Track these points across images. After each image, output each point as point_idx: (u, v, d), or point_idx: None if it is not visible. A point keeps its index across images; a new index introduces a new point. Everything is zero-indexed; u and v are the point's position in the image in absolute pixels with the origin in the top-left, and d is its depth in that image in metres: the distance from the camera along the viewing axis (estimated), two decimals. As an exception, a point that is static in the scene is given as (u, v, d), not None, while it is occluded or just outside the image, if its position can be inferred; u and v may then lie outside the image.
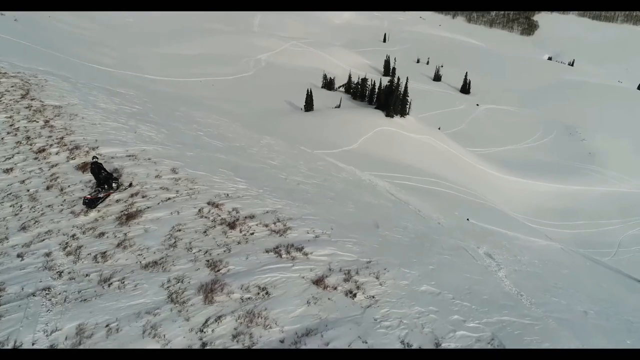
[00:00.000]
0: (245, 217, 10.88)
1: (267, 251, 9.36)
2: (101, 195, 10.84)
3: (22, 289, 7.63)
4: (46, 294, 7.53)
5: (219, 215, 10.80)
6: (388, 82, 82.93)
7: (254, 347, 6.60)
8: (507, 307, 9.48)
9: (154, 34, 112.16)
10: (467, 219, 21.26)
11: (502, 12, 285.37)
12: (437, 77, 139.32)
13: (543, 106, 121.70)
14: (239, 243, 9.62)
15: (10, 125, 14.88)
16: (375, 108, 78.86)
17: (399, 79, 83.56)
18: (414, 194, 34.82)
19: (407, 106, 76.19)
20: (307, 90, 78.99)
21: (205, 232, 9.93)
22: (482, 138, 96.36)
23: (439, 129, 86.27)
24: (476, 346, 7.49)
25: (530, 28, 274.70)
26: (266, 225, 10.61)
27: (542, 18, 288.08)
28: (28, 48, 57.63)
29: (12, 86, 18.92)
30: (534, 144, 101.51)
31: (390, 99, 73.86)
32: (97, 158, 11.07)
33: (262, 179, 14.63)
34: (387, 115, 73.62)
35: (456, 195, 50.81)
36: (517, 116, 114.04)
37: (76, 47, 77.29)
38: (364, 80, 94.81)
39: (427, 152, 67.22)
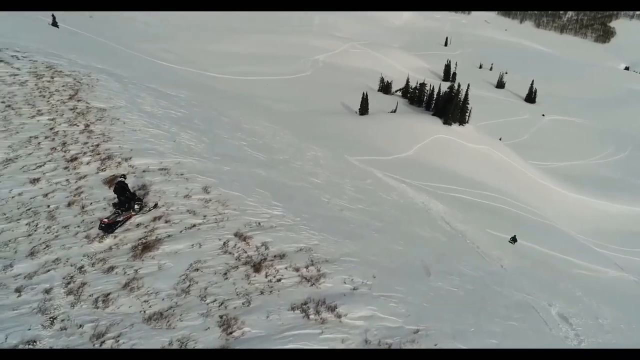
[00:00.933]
0: (275, 256, 9.36)
1: (293, 308, 7.79)
2: (120, 218, 9.71)
3: (6, 338, 6.53)
4: (30, 348, 6.39)
5: (245, 252, 9.35)
6: (448, 87, 79.14)
7: None
8: None
9: (212, 32, 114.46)
10: (513, 240, 18.64)
11: (575, 17, 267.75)
12: (500, 84, 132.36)
13: (617, 119, 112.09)
14: (261, 293, 8.11)
15: (51, 129, 14.32)
16: (433, 115, 75.54)
17: (459, 84, 79.56)
18: (469, 211, 32.19)
19: (467, 114, 72.21)
20: (363, 94, 77.00)
21: (225, 273, 8.52)
22: (546, 151, 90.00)
23: (500, 139, 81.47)
24: None
25: (605, 35, 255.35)
26: (297, 270, 9.03)
27: (620, 24, 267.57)
28: (99, 43, 59.93)
29: (63, 86, 18.62)
30: (604, 160, 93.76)
31: (449, 106, 70.28)
32: (124, 177, 9.95)
33: (302, 203, 13.09)
34: (444, 123, 70.26)
35: (515, 212, 47.11)
36: (587, 129, 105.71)
37: (143, 43, 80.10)
38: (422, 85, 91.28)
39: (485, 164, 63.24)
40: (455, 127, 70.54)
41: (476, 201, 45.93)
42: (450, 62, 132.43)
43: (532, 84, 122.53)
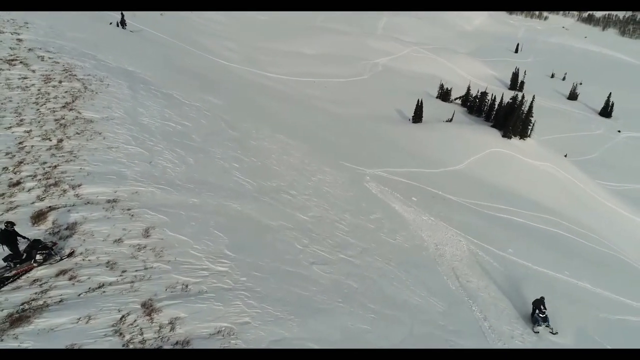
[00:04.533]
0: (175, 344, 7.21)
1: None
2: (10, 273, 8.01)
3: None
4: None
5: (142, 334, 7.31)
6: (510, 98, 72.80)
7: None
8: None
9: (278, 31, 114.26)
10: (540, 310, 14.74)
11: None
12: (572, 96, 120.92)
13: None
14: (122, 410, 5.96)
15: (19, 144, 13.12)
16: (492, 126, 69.78)
17: (523, 95, 72.94)
18: (509, 240, 28.41)
19: (530, 127, 65.78)
20: (418, 100, 72.76)
21: (93, 371, 6.45)
22: (618, 171, 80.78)
23: (565, 156, 73.95)
24: None
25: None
26: (191, 371, 6.78)
27: None
28: (159, 40, 60.94)
29: (66, 92, 17.67)
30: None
31: (510, 118, 64.34)
32: (11, 225, 8.21)
33: (263, 253, 10.85)
34: (503, 136, 64.58)
35: (573, 239, 41.68)
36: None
37: (204, 39, 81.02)
38: (484, 93, 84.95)
39: (546, 183, 57.33)
40: (515, 140, 64.69)
41: (526, 224, 41.21)
42: (518, 70, 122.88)
43: (609, 97, 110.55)
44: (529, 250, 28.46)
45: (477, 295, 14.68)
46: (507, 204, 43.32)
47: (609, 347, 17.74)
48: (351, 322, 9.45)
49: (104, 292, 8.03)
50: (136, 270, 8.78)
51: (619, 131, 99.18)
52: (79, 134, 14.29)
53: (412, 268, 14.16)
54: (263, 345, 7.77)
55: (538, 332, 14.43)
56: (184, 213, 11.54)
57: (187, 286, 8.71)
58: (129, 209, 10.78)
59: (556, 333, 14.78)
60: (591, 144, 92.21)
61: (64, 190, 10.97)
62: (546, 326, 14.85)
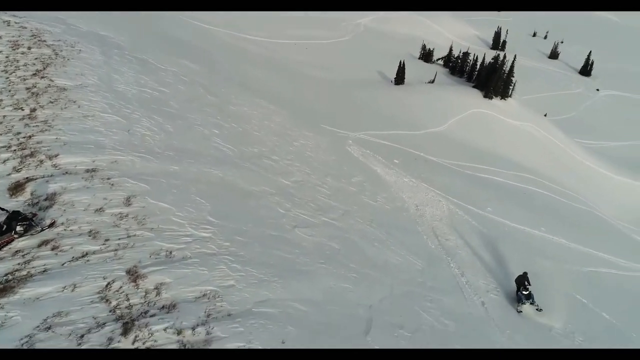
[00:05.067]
0: (162, 308, 7.39)
1: (139, 401, 5.81)
2: (-9, 246, 7.98)
3: None
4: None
5: (128, 299, 7.45)
6: (492, 58, 72.36)
7: None
8: None
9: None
10: (524, 286, 14.19)
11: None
12: (553, 55, 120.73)
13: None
14: (112, 371, 6.17)
15: (-10, 115, 12.70)
16: (474, 87, 69.64)
17: (505, 55, 72.57)
18: (490, 200, 29.13)
19: (511, 87, 65.84)
20: (400, 62, 71.83)
21: (82, 336, 6.62)
22: (596, 129, 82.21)
23: (545, 115, 74.68)
24: None
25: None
26: (179, 332, 7.02)
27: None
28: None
29: (35, 59, 16.95)
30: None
31: (491, 78, 64.15)
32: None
33: (246, 219, 10.97)
34: (485, 96, 64.55)
35: (551, 197, 42.97)
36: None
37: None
38: (466, 54, 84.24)
39: (526, 142, 58.12)
40: (496, 101, 64.81)
41: (506, 183, 42.20)
42: (500, 29, 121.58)
43: (589, 55, 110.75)
44: (507, 209, 29.28)
45: (455, 252, 15.21)
46: (487, 164, 44.07)
47: (578, 297, 18.57)
48: (333, 282, 9.76)
49: (88, 260, 8.08)
50: (119, 239, 8.82)
51: (598, 90, 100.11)
52: (52, 102, 13.87)
53: (393, 229, 14.53)
54: (248, 307, 8.01)
55: (522, 312, 13.53)
56: (165, 181, 11.51)
57: (171, 252, 8.82)
58: (108, 178, 10.69)
59: (541, 310, 13.83)
60: (570, 103, 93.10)
61: (41, 161, 10.76)
62: (530, 303, 13.86)
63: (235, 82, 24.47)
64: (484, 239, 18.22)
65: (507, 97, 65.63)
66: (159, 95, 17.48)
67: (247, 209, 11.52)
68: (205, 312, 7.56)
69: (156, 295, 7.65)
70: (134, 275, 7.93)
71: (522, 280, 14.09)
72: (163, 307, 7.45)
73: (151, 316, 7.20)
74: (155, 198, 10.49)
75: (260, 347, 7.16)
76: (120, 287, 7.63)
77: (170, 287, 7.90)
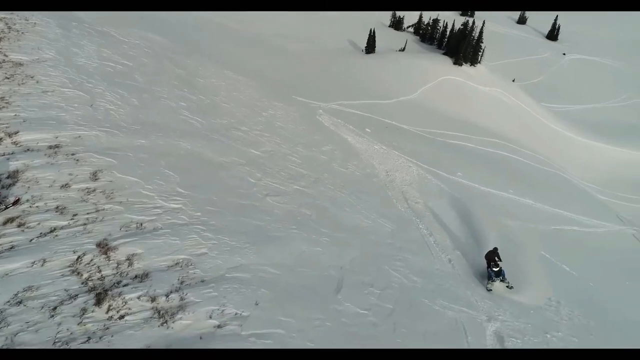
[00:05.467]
0: (134, 277, 7.47)
1: (116, 365, 5.95)
2: (-49, 225, 7.81)
3: None
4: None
5: (100, 271, 7.47)
6: (462, 24, 72.40)
7: None
8: None
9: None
10: (495, 262, 13.05)
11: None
12: (521, 20, 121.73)
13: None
14: (87, 340, 6.28)
15: (-59, 91, 12.14)
16: (444, 54, 69.76)
17: (473, 21, 72.70)
18: (461, 165, 29.80)
19: (480, 53, 66.23)
20: (370, 30, 71.05)
21: (55, 308, 6.67)
22: (562, 93, 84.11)
23: (513, 80, 75.81)
24: None
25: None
26: (153, 299, 7.15)
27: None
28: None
29: (-14, 32, 16.13)
30: (624, 103, 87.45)
31: (461, 45, 64.34)
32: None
33: (216, 189, 11.00)
34: (455, 63, 64.83)
35: (519, 160, 44.31)
36: (610, 70, 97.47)
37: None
38: (436, 21, 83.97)
39: (495, 108, 59.12)
40: (466, 67, 65.24)
41: (476, 149, 43.15)
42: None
43: (555, 20, 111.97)
44: (477, 173, 30.05)
45: (424, 215, 15.68)
46: (457, 131, 44.77)
47: (543, 253, 19.40)
48: (305, 246, 10.00)
49: (56, 235, 8.01)
50: (88, 213, 8.75)
51: (564, 54, 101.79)
52: (8, 78, 13.31)
53: (364, 194, 14.82)
54: (221, 272, 8.17)
55: (491, 290, 12.47)
56: (132, 155, 11.35)
57: (141, 224, 8.83)
58: (73, 154, 10.48)
59: (512, 287, 12.86)
60: (538, 68, 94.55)
61: (0, 139, 10.45)
62: (501, 280, 12.82)
63: (203, 54, 23.86)
64: (453, 201, 18.78)
65: (476, 63, 66.12)
66: (123, 69, 16.95)
67: (217, 180, 11.53)
68: (178, 279, 7.69)
69: (128, 266, 7.71)
70: (104, 247, 7.93)
71: (492, 256, 12.96)
72: (136, 276, 7.53)
73: (124, 286, 7.28)
74: (122, 172, 10.38)
75: (234, 310, 7.37)
76: (92, 259, 7.64)
77: (142, 257, 7.95)
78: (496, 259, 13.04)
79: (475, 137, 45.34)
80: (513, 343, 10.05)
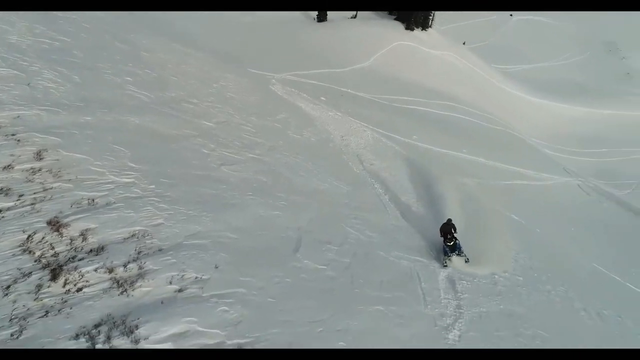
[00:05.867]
0: (90, 251, 7.43)
1: (78, 335, 6.03)
2: None
3: None
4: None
5: (53, 248, 7.36)
6: (411, -12, 72.18)
7: None
8: None
9: None
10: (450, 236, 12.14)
11: None
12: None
13: (586, 18, 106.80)
14: (46, 314, 6.29)
15: None
16: (395, 19, 69.77)
17: (424, -17, 72.60)
18: (413, 129, 30.49)
19: (430, 17, 66.65)
20: (320, -3, 69.68)
21: (8, 287, 6.58)
22: (510, 54, 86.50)
23: (464, 43, 77.19)
24: None
25: None
26: (110, 271, 7.17)
27: None
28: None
29: None
30: (566, 61, 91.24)
31: (411, 9, 64.32)
32: None
33: (169, 162, 10.90)
34: (406, 28, 64.93)
35: (472, 121, 45.73)
36: (556, 29, 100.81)
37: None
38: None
39: (448, 72, 60.04)
40: (417, 32, 65.49)
41: (431, 112, 44.10)
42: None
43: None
44: (432, 136, 30.89)
45: (379, 175, 16.16)
46: (412, 96, 45.38)
47: (495, 206, 20.44)
48: (262, 210, 10.19)
49: (2, 217, 7.77)
50: (35, 193, 8.50)
51: (511, 15, 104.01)
52: None
53: (319, 159, 15.07)
54: (179, 240, 8.25)
55: (447, 266, 11.67)
56: (78, 132, 10.98)
57: (93, 200, 8.69)
58: (13, 134, 10.00)
59: (468, 261, 12.21)
60: (486, 30, 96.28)
61: None
62: (457, 254, 12.11)
63: (146, 27, 22.83)
64: (408, 162, 19.41)
65: (427, 27, 66.59)
66: (60, 45, 16.04)
67: (170, 153, 11.41)
68: (135, 249, 7.71)
69: (82, 241, 7.64)
70: (56, 225, 7.79)
71: (447, 229, 12.19)
72: (91, 250, 7.49)
73: (79, 260, 7.24)
74: (69, 150, 10.05)
75: (194, 274, 7.52)
76: (43, 237, 7.51)
77: (96, 232, 7.89)
78: (452, 230, 12.22)
79: (429, 101, 46.20)
80: (463, 286, 10.81)
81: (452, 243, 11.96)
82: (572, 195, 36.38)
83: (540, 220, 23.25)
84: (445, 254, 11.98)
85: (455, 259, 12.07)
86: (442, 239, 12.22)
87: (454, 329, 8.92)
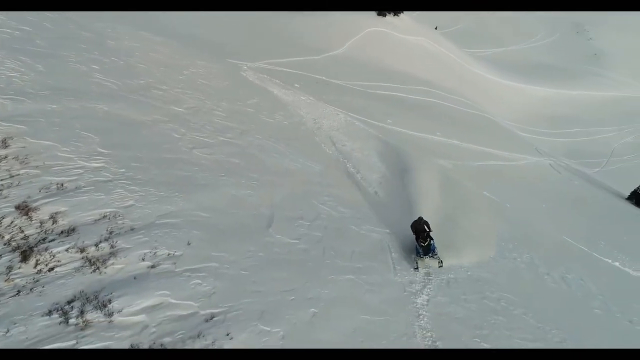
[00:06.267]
0: (60, 233, 7.46)
1: (50, 311, 6.12)
2: None
3: None
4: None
5: (22, 231, 7.37)
6: (381, -26, 72.27)
7: None
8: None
9: None
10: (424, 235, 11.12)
11: None
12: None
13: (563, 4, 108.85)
14: (17, 293, 6.34)
15: None
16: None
17: (392, -29, 72.87)
18: (390, 114, 30.83)
19: (402, 2, 66.88)
20: (292, -15, 69.11)
21: (-21, 269, 6.59)
22: (481, 37, 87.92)
23: (436, 28, 78.03)
24: None
25: None
26: (82, 250, 7.23)
27: None
28: None
29: None
30: (537, 43, 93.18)
31: (382, -6, 64.51)
32: None
33: (139, 147, 10.89)
34: (379, 14, 65.19)
35: (446, 105, 46.49)
36: (524, 13, 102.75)
37: None
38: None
39: (421, 57, 60.71)
40: (390, 18, 65.82)
41: (405, 97, 44.57)
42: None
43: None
44: (407, 120, 31.33)
45: (351, 155, 16.44)
46: (386, 81, 45.74)
47: (469, 184, 20.91)
48: (235, 190, 10.33)
49: (-32, 204, 7.74)
50: (1, 180, 8.45)
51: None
52: None
53: (292, 141, 15.22)
54: (151, 220, 8.34)
55: (417, 269, 10.45)
56: (44, 120, 10.84)
57: (62, 185, 8.67)
58: (-24, 124, 9.88)
59: (441, 265, 10.91)
60: (458, 15, 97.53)
61: None
62: (430, 257, 10.82)
63: (111, 15, 22.38)
64: (381, 143, 19.72)
65: (399, 13, 66.92)
66: (21, 35, 15.65)
67: (140, 138, 11.39)
68: (107, 230, 7.77)
69: (53, 224, 7.66)
70: (24, 209, 7.78)
71: (420, 227, 11.00)
72: (62, 232, 7.53)
73: (50, 241, 7.28)
74: (35, 137, 9.94)
75: (166, 251, 7.65)
76: (12, 222, 7.50)
77: (67, 214, 7.91)
78: (425, 228, 11.00)
79: (404, 87, 46.62)
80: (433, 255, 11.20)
81: (426, 243, 10.69)
82: (544, 174, 37.61)
83: (512, 197, 24.06)
84: (418, 254, 10.76)
85: (427, 261, 10.87)
86: (415, 237, 11.02)
87: (422, 294, 9.34)
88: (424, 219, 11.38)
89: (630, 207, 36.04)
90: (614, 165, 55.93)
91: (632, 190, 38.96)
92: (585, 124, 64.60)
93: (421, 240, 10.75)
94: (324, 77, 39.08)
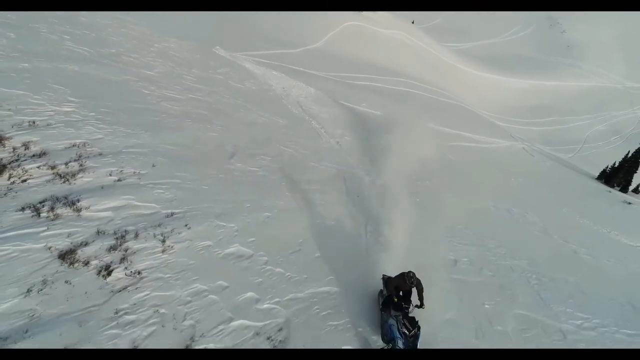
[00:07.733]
0: (31, 157, 8.10)
1: (23, 208, 6.78)
2: None
3: None
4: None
5: (-6, 155, 7.97)
6: (358, -30, 73.38)
7: None
8: (335, 270, 7.29)
9: None
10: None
11: None
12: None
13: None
14: (-7, 197, 6.96)
15: None
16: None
17: (368, -34, 74.15)
18: (365, 99, 31.65)
19: (378, -6, 68.08)
20: (269, -20, 69.70)
21: (-48, 183, 7.20)
22: (459, 32, 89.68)
23: (413, 22, 79.56)
24: (249, 344, 5.38)
25: None
26: (53, 168, 7.88)
27: None
28: None
29: None
30: (513, 37, 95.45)
31: (360, -11, 65.64)
32: None
33: (109, 98, 11.51)
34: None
35: (423, 95, 47.69)
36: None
37: None
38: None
39: (398, 50, 61.89)
40: (367, 12, 67.16)
41: (383, 87, 45.58)
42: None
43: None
44: (381, 105, 32.15)
45: (318, 115, 17.24)
46: (364, 73, 46.70)
47: (450, 157, 21.86)
48: (200, 132, 11.03)
49: (-57, 137, 8.31)
50: (-27, 120, 9.03)
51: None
52: None
53: (259, 101, 15.92)
54: (119, 149, 9.02)
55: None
56: (15, 75, 11.38)
57: (34, 122, 9.26)
58: (-52, 78, 10.41)
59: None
60: (434, 10, 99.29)
61: None
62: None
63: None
64: (348, 110, 20.53)
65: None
66: (-8, 10, 16.17)
67: (110, 92, 12.00)
68: (76, 154, 8.42)
69: (25, 150, 8.28)
70: (-2, 139, 8.39)
71: (408, 287, 6.72)
72: (34, 155, 8.15)
73: (23, 161, 7.92)
74: (7, 87, 10.50)
75: (132, 170, 8.34)
76: (-15, 148, 8.11)
77: (38, 143, 8.52)
78: (413, 290, 6.77)
79: (381, 78, 47.64)
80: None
81: (411, 331, 6.28)
82: (517, 156, 39.02)
83: (481, 171, 25.12)
84: (390, 333, 6.29)
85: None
86: (389, 299, 6.75)
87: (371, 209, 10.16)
88: (417, 276, 6.75)
89: (599, 185, 37.74)
90: (588, 152, 57.97)
91: (601, 170, 40.98)
92: (560, 113, 66.57)
93: (404, 306, 6.57)
94: (302, 69, 39.79)
